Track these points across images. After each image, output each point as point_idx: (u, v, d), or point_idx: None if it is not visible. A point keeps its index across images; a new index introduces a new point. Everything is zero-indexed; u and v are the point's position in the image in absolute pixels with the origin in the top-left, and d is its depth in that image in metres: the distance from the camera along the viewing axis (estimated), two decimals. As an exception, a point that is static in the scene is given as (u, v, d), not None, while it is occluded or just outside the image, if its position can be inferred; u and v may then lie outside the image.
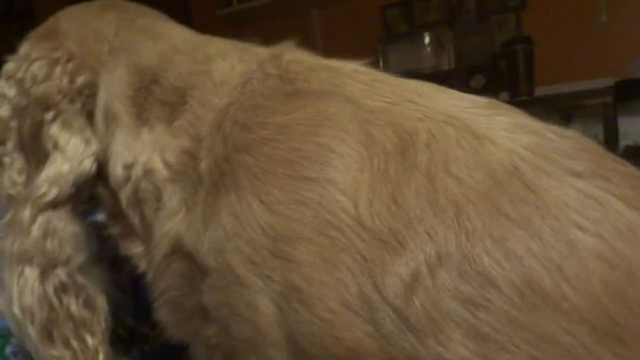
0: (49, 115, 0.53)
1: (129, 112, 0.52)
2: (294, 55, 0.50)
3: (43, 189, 0.51)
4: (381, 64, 2.53)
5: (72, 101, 0.54)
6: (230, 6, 2.87)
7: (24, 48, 0.58)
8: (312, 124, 0.42)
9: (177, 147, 0.48)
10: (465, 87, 2.35)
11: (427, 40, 2.46)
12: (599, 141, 2.00)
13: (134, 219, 0.52)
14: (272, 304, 0.39)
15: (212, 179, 0.45)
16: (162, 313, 0.50)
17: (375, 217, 0.37)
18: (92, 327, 0.53)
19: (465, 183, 0.37)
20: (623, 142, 1.93)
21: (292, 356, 0.39)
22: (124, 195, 0.52)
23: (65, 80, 0.54)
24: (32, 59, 0.55)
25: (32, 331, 0.51)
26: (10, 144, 0.56)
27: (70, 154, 0.52)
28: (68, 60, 0.55)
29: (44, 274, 0.51)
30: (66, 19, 0.58)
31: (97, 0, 0.61)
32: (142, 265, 0.52)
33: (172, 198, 0.48)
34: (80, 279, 0.53)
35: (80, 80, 0.54)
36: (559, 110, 2.09)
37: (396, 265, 0.36)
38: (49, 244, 0.51)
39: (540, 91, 2.23)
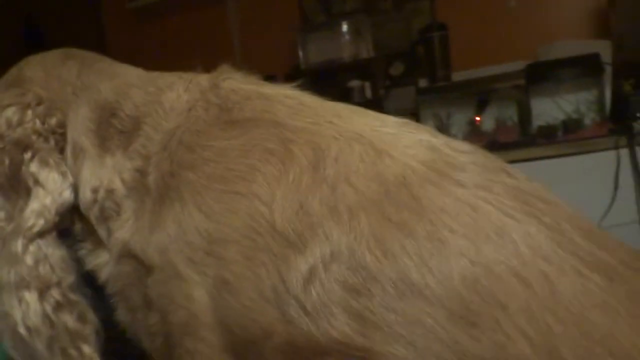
0: (28, 155, 0.60)
1: (93, 144, 0.60)
2: (231, 84, 0.58)
3: (31, 221, 0.58)
4: (301, 54, 2.50)
5: (46, 140, 0.61)
6: (141, -2, 2.76)
7: None
8: (244, 148, 0.51)
9: (131, 167, 0.57)
10: (385, 74, 2.37)
11: (345, 28, 2.46)
12: (514, 123, 2.05)
13: (102, 233, 0.59)
14: (206, 295, 0.47)
15: (159, 191, 0.53)
16: (121, 312, 0.58)
17: (286, 222, 0.45)
18: (86, 337, 0.59)
19: (360, 192, 0.45)
20: (536, 123, 2.00)
21: (222, 335, 0.47)
22: (93, 214, 0.59)
23: (38, 122, 0.61)
24: (3, 105, 0.61)
25: (40, 346, 0.57)
26: None
27: (51, 188, 0.59)
28: (38, 104, 0.61)
29: (41, 296, 0.57)
30: (29, 68, 0.65)
31: (55, 50, 0.68)
32: (104, 275, 0.59)
33: (126, 210, 0.56)
34: (72, 297, 0.59)
35: (51, 121, 0.61)
36: (475, 94, 2.15)
37: (298, 262, 0.44)
38: (41, 269, 0.58)
39: (457, 76, 2.28)
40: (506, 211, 0.42)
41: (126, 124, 0.59)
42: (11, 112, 0.61)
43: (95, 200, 0.59)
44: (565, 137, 1.94)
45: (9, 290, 0.57)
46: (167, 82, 0.61)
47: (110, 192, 0.58)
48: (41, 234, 0.58)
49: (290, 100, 0.54)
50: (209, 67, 0.65)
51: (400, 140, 0.48)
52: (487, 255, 0.40)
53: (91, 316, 0.60)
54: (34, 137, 0.60)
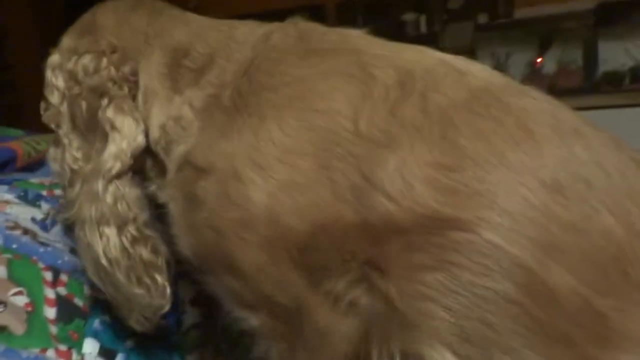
0: (104, 101, 0.65)
1: (164, 87, 0.64)
2: (307, 24, 0.61)
3: (109, 164, 0.64)
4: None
5: (120, 87, 0.65)
6: None
7: (66, 42, 0.68)
8: (325, 74, 0.54)
9: (203, 95, 0.61)
10: (442, 7, 2.26)
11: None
12: (578, 67, 1.92)
13: (166, 159, 0.64)
14: (266, 197, 0.51)
15: (235, 106, 0.57)
16: (178, 222, 0.63)
17: (373, 127, 0.49)
18: (159, 267, 0.66)
19: (450, 98, 0.49)
20: (602, 68, 1.89)
21: (276, 231, 0.51)
22: (160, 147, 0.64)
23: (113, 70, 0.65)
24: (80, 52, 0.66)
25: (120, 276, 0.64)
26: (65, 127, 0.67)
27: (126, 132, 0.64)
28: (112, 52, 0.66)
29: (120, 231, 0.64)
30: (101, 15, 0.69)
31: None
32: (162, 196, 0.65)
33: (191, 130, 0.61)
34: (146, 232, 0.66)
35: (125, 68, 0.66)
36: (538, 34, 2.03)
37: (386, 157, 0.48)
38: (119, 207, 0.64)
39: (519, 13, 2.16)
40: (578, 118, 0.49)
41: (198, 61, 0.63)
42: (87, 60, 0.65)
43: (163, 133, 0.64)
44: (632, 85, 1.84)
45: (90, 225, 0.64)
46: (241, 22, 0.66)
47: (177, 119, 0.62)
48: (119, 175, 0.64)
49: (367, 36, 0.58)
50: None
51: (475, 67, 0.54)
52: (570, 144, 0.47)
53: (163, 249, 0.67)
54: (109, 84, 0.65)
